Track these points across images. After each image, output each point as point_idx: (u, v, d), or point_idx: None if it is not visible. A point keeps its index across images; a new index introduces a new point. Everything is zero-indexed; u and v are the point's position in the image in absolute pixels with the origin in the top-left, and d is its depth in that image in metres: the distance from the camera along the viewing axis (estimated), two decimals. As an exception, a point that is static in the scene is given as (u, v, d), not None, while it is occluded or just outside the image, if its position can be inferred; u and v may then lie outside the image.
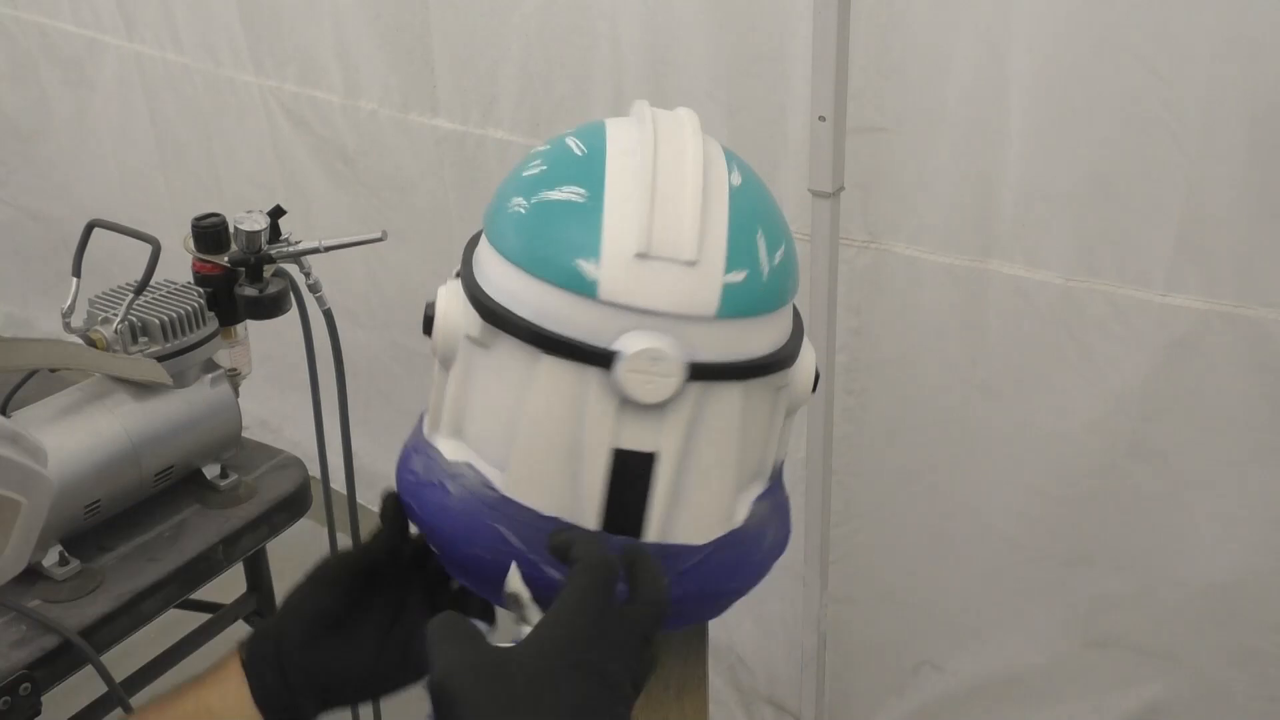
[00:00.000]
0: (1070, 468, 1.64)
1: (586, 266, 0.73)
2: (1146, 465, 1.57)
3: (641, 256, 0.73)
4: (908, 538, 1.82)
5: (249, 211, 1.46)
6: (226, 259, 1.47)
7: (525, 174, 0.79)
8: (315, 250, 1.49)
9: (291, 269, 1.53)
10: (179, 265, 1.50)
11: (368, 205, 2.37)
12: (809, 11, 1.49)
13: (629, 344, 0.73)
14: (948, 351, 1.68)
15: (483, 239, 0.81)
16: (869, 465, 1.80)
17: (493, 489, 0.78)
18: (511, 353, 0.76)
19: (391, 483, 0.87)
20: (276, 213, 1.48)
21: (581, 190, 0.76)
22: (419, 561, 0.87)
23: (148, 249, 1.40)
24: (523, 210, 0.77)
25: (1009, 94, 1.51)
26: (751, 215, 0.78)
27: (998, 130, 1.53)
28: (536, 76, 1.97)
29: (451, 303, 0.79)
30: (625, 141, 0.79)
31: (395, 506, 0.85)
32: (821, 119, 1.51)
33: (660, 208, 0.75)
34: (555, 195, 0.76)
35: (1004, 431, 1.67)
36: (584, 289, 0.73)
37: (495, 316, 0.76)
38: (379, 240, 1.51)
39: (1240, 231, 1.41)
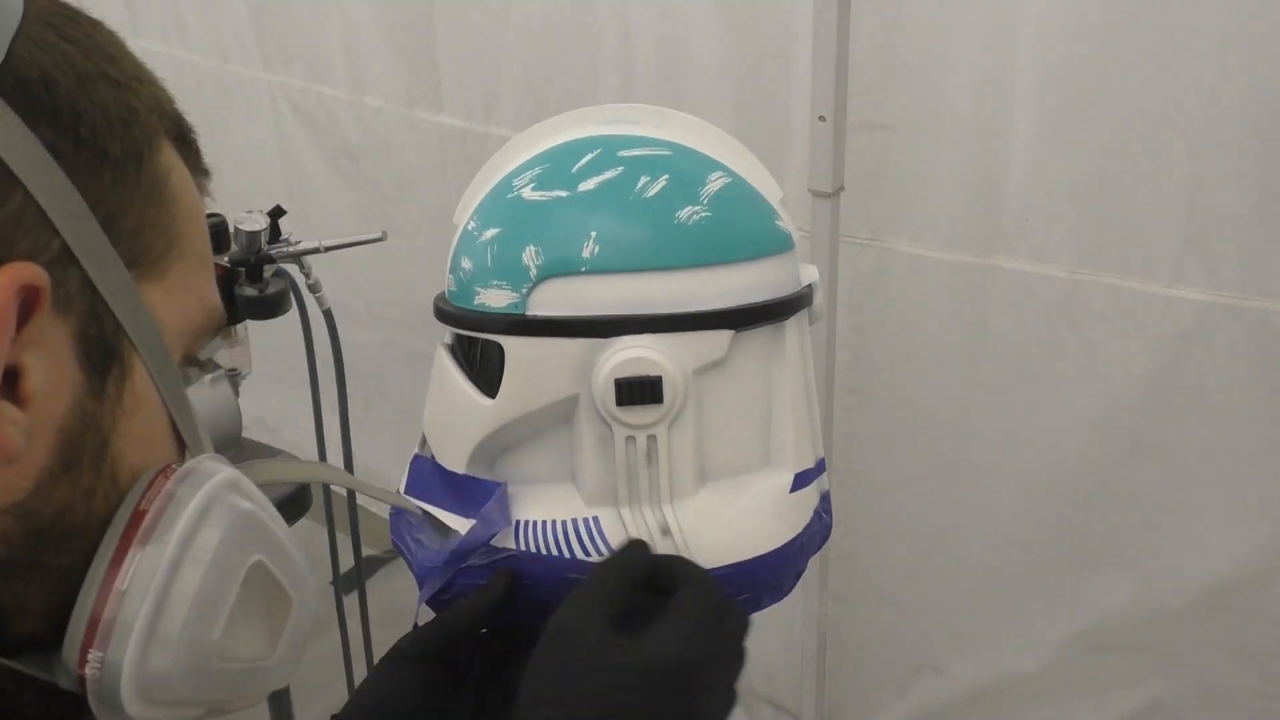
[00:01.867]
0: (1073, 464, 1.63)
1: (782, 224, 0.82)
2: (1150, 461, 1.57)
3: (780, 201, 0.83)
4: (909, 537, 1.82)
5: (249, 211, 1.46)
6: (226, 259, 1.47)
7: (651, 193, 0.76)
8: (315, 250, 1.49)
9: (291, 269, 1.52)
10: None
11: (370, 202, 2.37)
12: (810, 10, 1.49)
13: (811, 273, 0.84)
14: (950, 349, 1.68)
15: (613, 283, 0.75)
16: (870, 464, 1.80)
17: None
18: (755, 345, 0.79)
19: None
20: (276, 213, 1.48)
21: (720, 173, 0.79)
22: (495, 650, 0.79)
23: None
24: (706, 213, 0.76)
25: (1012, 89, 1.50)
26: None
27: (1001, 126, 1.53)
28: (540, 74, 1.97)
29: (666, 352, 0.75)
30: (667, 130, 0.82)
31: (507, 584, 0.77)
32: (821, 119, 1.51)
33: (752, 162, 0.83)
34: (713, 186, 0.78)
35: (1006, 429, 1.67)
36: (787, 245, 0.81)
37: (750, 316, 0.78)
38: (379, 240, 1.51)
39: (1244, 224, 1.41)
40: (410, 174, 2.29)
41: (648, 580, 0.72)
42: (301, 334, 1.58)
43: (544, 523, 0.78)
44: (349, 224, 2.38)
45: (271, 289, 1.48)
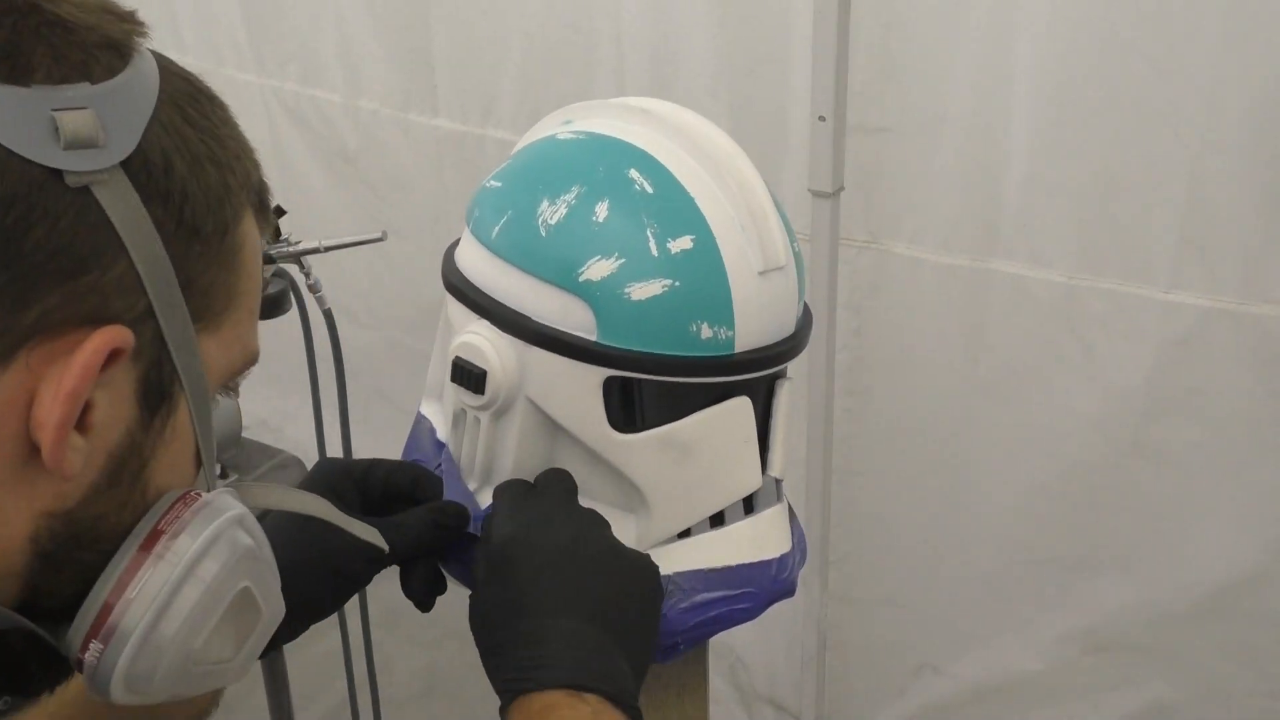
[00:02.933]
0: (1072, 467, 1.63)
1: (720, 334, 0.79)
2: (1148, 464, 1.57)
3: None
4: (908, 538, 1.82)
5: (249, 212, 1.46)
6: (226, 259, 1.47)
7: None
8: (315, 250, 1.49)
9: (291, 269, 1.53)
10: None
11: (368, 204, 2.37)
12: (810, 12, 1.49)
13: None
14: (948, 351, 1.68)
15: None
16: (869, 465, 1.80)
17: None
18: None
19: None
20: (277, 212, 1.48)
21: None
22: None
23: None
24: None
25: (1011, 92, 1.51)
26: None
27: (1000, 128, 1.53)
28: (537, 76, 1.97)
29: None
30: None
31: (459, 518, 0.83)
32: (821, 119, 1.51)
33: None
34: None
35: (1005, 431, 1.67)
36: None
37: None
38: (379, 240, 1.51)
39: (1243, 228, 1.41)
40: (406, 177, 2.29)
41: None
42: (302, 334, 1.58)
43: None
44: (345, 227, 2.37)
45: (272, 289, 1.49)
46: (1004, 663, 1.79)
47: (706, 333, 0.76)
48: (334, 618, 1.79)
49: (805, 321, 0.84)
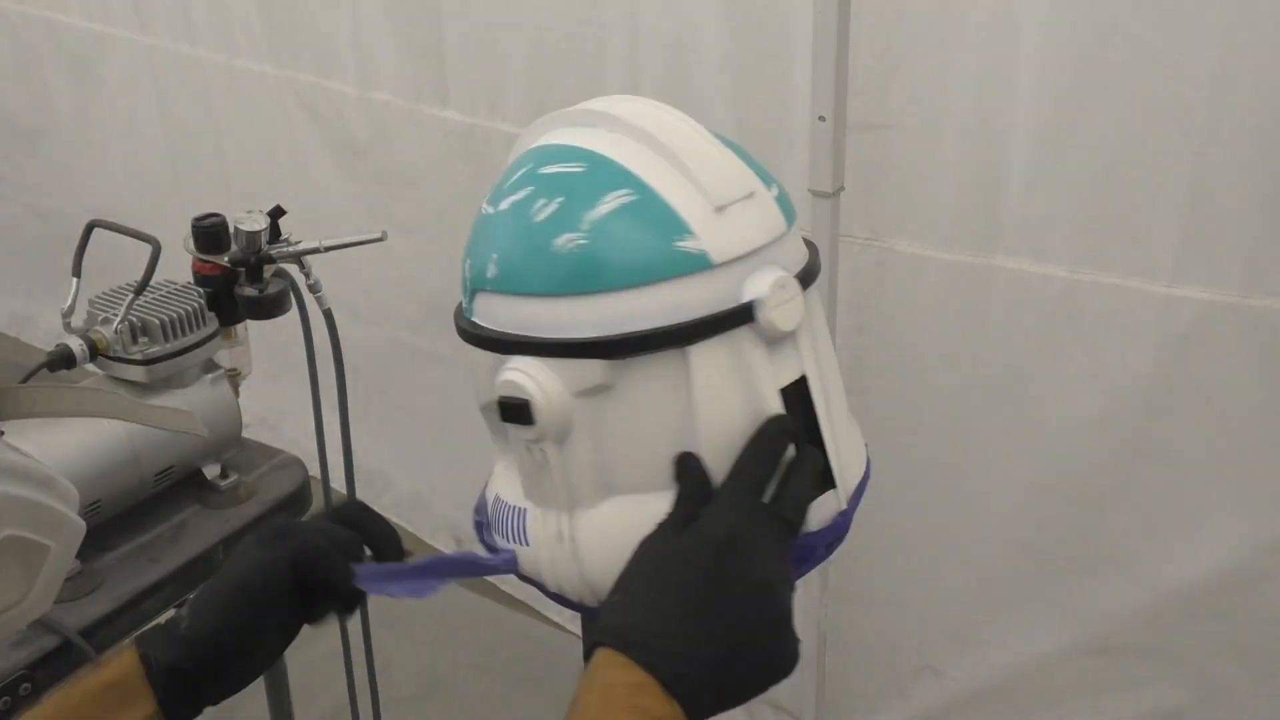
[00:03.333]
0: (1074, 464, 1.63)
1: (688, 244, 0.75)
2: (1151, 460, 1.57)
3: (719, 210, 0.76)
4: (909, 537, 1.82)
5: (249, 211, 1.46)
6: (226, 259, 1.47)
7: (541, 217, 0.76)
8: (315, 250, 1.49)
9: (291, 269, 1.52)
10: (180, 265, 1.50)
11: (376, 197, 2.37)
12: (810, 10, 1.49)
13: (759, 285, 0.75)
14: (950, 348, 1.68)
15: (509, 304, 0.78)
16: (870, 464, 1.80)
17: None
18: (651, 371, 0.76)
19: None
20: (277, 213, 1.48)
21: (626, 190, 0.76)
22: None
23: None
24: (582, 240, 0.75)
25: (1012, 88, 1.50)
26: (729, 142, 0.82)
27: (1001, 125, 1.53)
28: (544, 70, 1.97)
29: (539, 376, 0.76)
30: (606, 138, 0.79)
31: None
32: (821, 119, 1.51)
33: (698, 164, 0.77)
34: (606, 208, 0.75)
35: (1007, 428, 1.67)
36: (698, 264, 0.74)
37: (627, 346, 0.74)
38: (379, 240, 1.51)
39: (1245, 222, 1.41)
40: (415, 169, 2.29)
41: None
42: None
43: (499, 500, 0.84)
44: (354, 219, 2.38)
45: (272, 289, 1.48)
46: (1004, 663, 1.79)
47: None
48: (333, 618, 1.80)
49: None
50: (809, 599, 1.81)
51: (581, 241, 0.74)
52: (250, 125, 2.55)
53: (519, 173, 0.80)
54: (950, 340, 1.67)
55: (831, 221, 1.58)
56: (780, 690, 1.99)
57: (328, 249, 1.49)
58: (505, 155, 0.87)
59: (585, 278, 0.74)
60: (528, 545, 0.81)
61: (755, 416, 0.76)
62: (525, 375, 0.76)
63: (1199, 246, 1.45)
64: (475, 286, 0.80)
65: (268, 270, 1.49)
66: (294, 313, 1.55)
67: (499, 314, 0.78)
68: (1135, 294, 1.50)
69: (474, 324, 0.80)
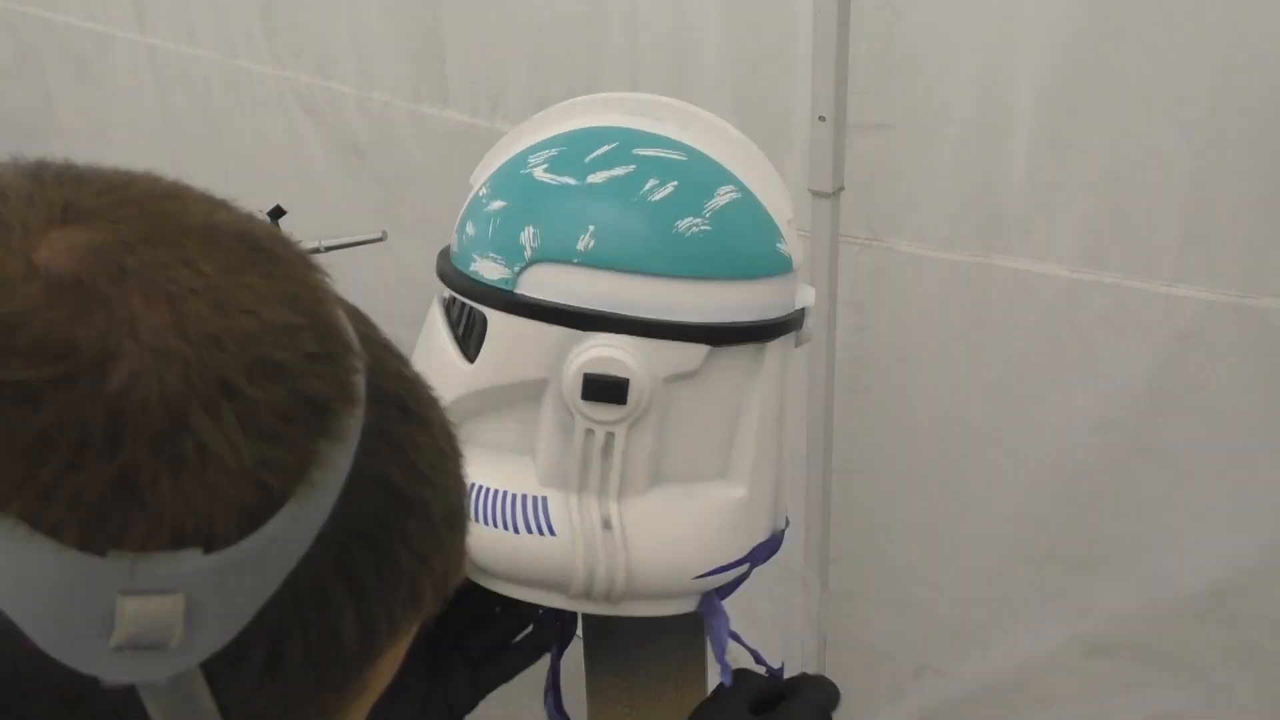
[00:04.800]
0: (1073, 465, 1.63)
1: (782, 248, 0.81)
2: (1151, 460, 1.57)
3: (788, 221, 0.82)
4: (909, 537, 1.82)
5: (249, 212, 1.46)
6: (227, 258, 1.47)
7: (657, 197, 0.76)
8: (315, 250, 1.49)
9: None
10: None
11: (376, 198, 2.37)
12: (810, 10, 1.49)
13: (808, 296, 0.83)
14: (950, 348, 1.68)
15: (604, 279, 0.76)
16: (870, 463, 1.80)
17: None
18: (730, 361, 0.78)
19: None
20: (276, 213, 1.48)
21: (731, 188, 0.79)
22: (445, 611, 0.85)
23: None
24: (706, 227, 0.77)
25: (1012, 88, 1.50)
26: None
27: (1001, 124, 1.53)
28: (545, 70, 1.97)
29: (639, 355, 0.75)
30: (688, 133, 0.81)
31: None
32: (821, 119, 1.51)
33: (773, 177, 0.82)
34: (722, 200, 0.78)
35: (1007, 428, 1.67)
36: (786, 268, 0.81)
37: (731, 334, 0.78)
38: (379, 240, 1.51)
39: (1246, 221, 1.41)
40: (416, 169, 2.29)
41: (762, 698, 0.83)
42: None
43: (496, 492, 0.80)
44: (355, 219, 2.38)
45: (272, 288, 1.48)
46: (1004, 664, 1.79)
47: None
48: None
49: (442, 267, 0.85)
50: (809, 599, 1.81)
51: (705, 228, 0.76)
52: (250, 125, 2.55)
53: (603, 149, 0.78)
54: (950, 340, 1.67)
55: (831, 221, 1.57)
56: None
57: (328, 249, 1.50)
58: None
59: (705, 263, 0.76)
60: (553, 535, 0.79)
61: (781, 415, 0.83)
62: (625, 353, 0.75)
63: (1199, 246, 1.45)
64: (544, 257, 0.76)
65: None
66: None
67: (581, 288, 0.76)
68: (1135, 293, 1.50)
69: (535, 298, 0.77)
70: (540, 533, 0.79)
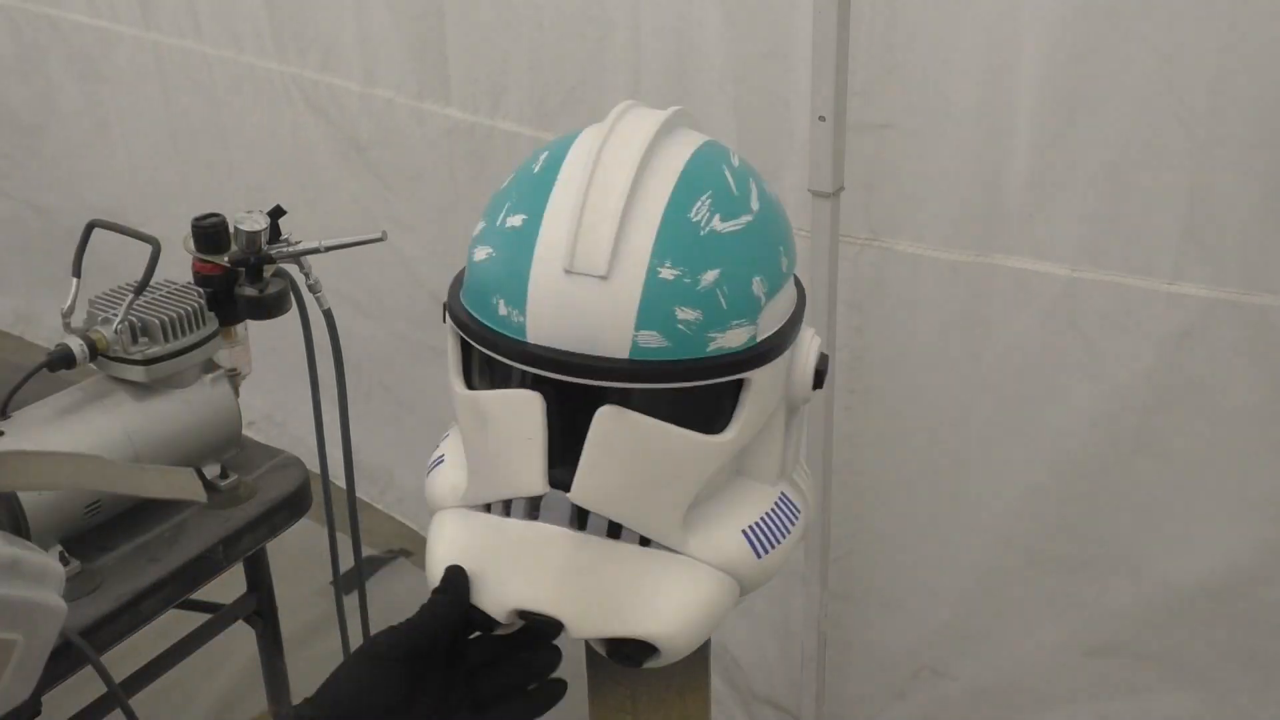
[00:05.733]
0: (1073, 465, 1.63)
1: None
2: (1152, 459, 1.56)
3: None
4: (909, 537, 1.82)
5: (249, 211, 1.46)
6: (226, 259, 1.47)
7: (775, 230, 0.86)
8: (315, 250, 1.49)
9: (291, 269, 1.53)
10: (181, 265, 1.50)
11: (378, 194, 2.37)
12: (810, 10, 1.49)
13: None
14: (950, 348, 1.68)
15: (781, 297, 0.85)
16: (870, 463, 1.80)
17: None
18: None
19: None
20: (276, 213, 1.48)
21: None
22: (461, 646, 0.82)
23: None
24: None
25: (1012, 87, 1.50)
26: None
27: (1001, 124, 1.53)
28: (546, 68, 1.97)
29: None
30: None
31: (461, 580, 0.81)
32: (821, 119, 1.50)
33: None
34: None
35: (1007, 428, 1.67)
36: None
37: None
38: (379, 240, 1.51)
39: (1246, 219, 1.40)
40: (416, 169, 2.29)
41: None
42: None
43: (765, 517, 0.88)
44: (357, 216, 2.38)
45: (271, 289, 1.49)
46: (1004, 663, 1.79)
47: (503, 309, 0.79)
48: (334, 618, 1.81)
49: (651, 365, 0.77)
50: (809, 599, 1.81)
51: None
52: (254, 121, 2.55)
53: (725, 171, 0.83)
54: (950, 340, 1.67)
55: (831, 221, 1.57)
56: (780, 690, 2.00)
57: (328, 249, 1.50)
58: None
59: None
60: (798, 515, 0.93)
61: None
62: (816, 347, 0.89)
63: (1199, 244, 1.44)
64: (774, 292, 0.82)
65: (268, 270, 1.49)
66: (294, 313, 1.55)
67: (791, 298, 0.86)
68: (1135, 292, 1.50)
69: (771, 337, 0.83)
70: (795, 521, 0.91)
